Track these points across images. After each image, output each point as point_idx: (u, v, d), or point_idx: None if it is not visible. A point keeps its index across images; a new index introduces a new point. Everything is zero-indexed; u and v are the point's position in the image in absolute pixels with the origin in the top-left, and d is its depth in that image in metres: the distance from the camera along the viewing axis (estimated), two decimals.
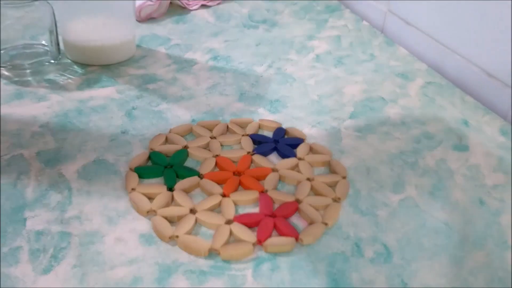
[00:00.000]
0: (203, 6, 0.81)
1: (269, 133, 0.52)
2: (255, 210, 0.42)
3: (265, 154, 0.48)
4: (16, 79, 0.58)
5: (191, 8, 0.80)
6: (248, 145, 0.49)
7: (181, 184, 0.43)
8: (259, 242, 0.39)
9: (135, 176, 0.44)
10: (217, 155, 0.47)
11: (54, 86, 0.58)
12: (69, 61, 0.63)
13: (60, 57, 0.63)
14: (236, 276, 0.36)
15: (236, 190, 0.43)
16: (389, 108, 0.57)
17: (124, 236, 0.39)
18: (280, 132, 0.51)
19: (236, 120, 0.53)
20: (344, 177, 0.46)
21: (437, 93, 0.61)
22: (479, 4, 0.60)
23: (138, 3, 0.73)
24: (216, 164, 0.46)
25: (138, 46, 0.67)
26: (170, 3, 0.79)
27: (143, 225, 0.40)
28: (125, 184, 0.44)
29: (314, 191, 0.44)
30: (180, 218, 0.40)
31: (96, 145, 0.48)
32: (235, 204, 0.42)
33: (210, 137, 0.50)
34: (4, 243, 0.38)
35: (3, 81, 0.58)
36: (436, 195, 0.45)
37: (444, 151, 0.51)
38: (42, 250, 0.37)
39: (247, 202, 0.43)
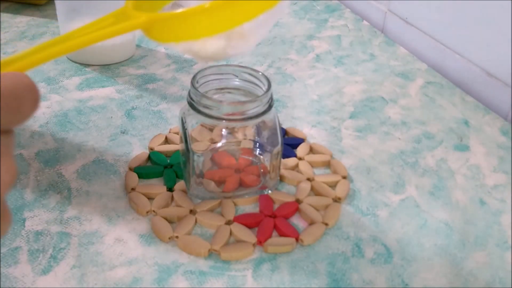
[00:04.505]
0: None
1: None
2: (255, 210, 0.42)
3: None
4: None
5: None
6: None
7: (181, 184, 0.43)
8: (259, 242, 0.38)
9: (134, 176, 0.44)
10: None
11: (54, 85, 0.57)
12: (69, 60, 0.63)
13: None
14: (236, 277, 0.36)
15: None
16: (389, 108, 0.57)
17: (124, 237, 0.39)
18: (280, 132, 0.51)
19: None
20: (344, 177, 0.46)
21: (437, 93, 0.61)
22: (479, 4, 0.60)
23: None
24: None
25: (138, 46, 0.67)
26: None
27: (142, 225, 0.40)
28: (124, 184, 0.44)
29: (314, 191, 0.44)
30: (180, 218, 0.40)
31: (95, 145, 0.48)
32: (235, 204, 0.42)
33: None
34: (3, 243, 0.37)
35: None
36: (436, 195, 0.45)
37: (445, 151, 0.51)
38: (41, 250, 0.37)
39: (247, 202, 0.42)
